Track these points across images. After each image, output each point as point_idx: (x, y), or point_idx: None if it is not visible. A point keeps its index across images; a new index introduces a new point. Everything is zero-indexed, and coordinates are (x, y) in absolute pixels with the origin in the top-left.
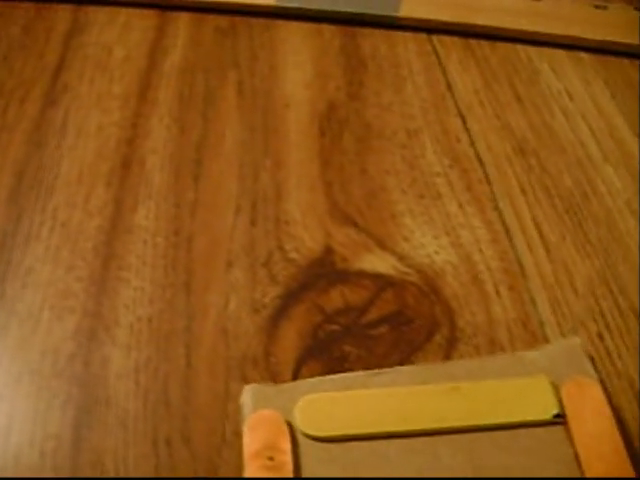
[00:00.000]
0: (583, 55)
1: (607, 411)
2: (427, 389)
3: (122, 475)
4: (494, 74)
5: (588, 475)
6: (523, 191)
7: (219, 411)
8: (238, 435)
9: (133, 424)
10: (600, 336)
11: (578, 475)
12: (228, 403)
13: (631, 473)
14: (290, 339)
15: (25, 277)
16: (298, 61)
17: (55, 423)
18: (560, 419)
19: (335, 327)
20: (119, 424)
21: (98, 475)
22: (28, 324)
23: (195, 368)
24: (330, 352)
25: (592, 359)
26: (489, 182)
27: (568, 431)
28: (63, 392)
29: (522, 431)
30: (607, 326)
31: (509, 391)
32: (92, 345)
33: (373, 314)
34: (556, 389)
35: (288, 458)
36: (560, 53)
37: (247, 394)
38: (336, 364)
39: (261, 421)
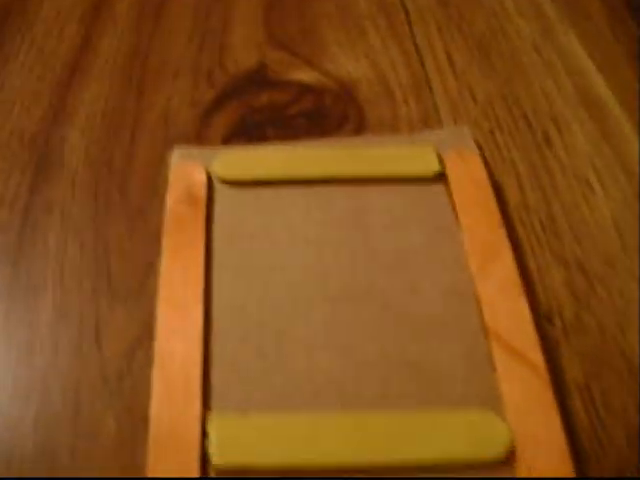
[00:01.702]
0: None
1: (484, 176)
2: (329, 149)
3: (66, 218)
4: None
5: (466, 232)
6: (440, 31)
7: (154, 172)
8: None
9: (80, 181)
10: (492, 132)
11: (451, 216)
12: (162, 167)
13: (504, 235)
14: (220, 125)
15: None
16: None
17: (14, 184)
18: (441, 178)
19: (260, 117)
20: (68, 181)
21: (46, 215)
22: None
23: (137, 144)
24: (254, 134)
25: (480, 146)
26: (410, 24)
27: (447, 189)
28: (24, 160)
29: (407, 186)
30: (499, 125)
31: (398, 154)
32: (53, 128)
33: (294, 109)
34: (440, 157)
35: (203, 193)
36: None
37: (175, 153)
38: (259, 143)
39: (183, 170)
